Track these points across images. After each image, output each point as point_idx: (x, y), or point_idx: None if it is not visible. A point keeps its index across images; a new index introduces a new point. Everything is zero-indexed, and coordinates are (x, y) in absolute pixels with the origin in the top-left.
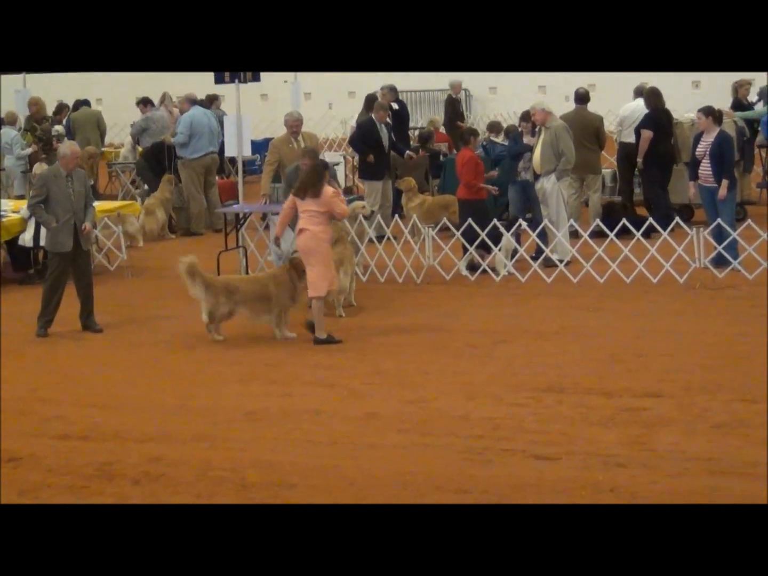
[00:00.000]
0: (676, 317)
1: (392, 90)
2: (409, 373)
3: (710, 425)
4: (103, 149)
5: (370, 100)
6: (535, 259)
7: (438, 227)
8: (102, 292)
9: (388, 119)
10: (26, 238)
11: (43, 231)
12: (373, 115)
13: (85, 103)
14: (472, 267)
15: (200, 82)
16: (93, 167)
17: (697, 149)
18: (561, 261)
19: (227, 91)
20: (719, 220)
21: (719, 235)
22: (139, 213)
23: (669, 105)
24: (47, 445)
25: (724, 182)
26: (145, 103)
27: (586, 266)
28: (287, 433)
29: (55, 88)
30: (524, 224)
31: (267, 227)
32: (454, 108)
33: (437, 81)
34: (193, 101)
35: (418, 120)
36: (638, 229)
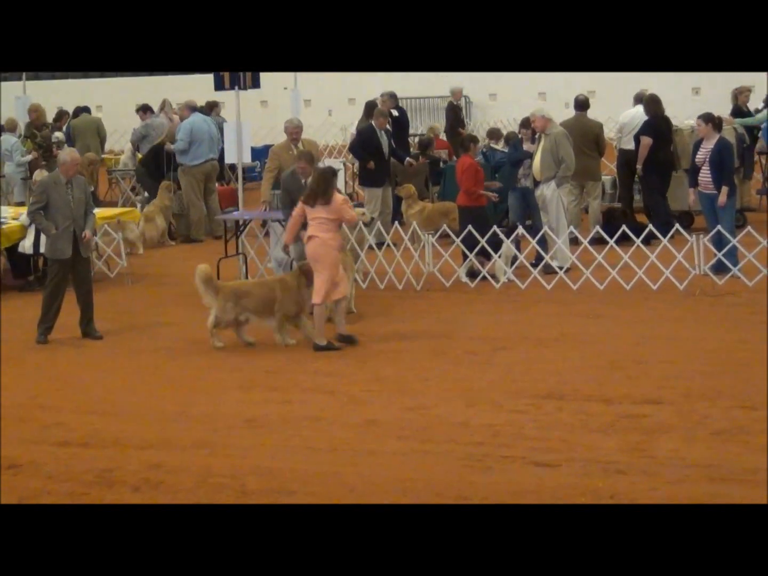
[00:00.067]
0: (676, 324)
1: (392, 97)
2: (409, 380)
3: (710, 432)
4: (103, 156)
5: (370, 107)
6: (535, 266)
7: (438, 234)
8: (102, 299)
9: (388, 126)
10: (26, 245)
11: (43, 238)
12: (373, 122)
13: (85, 109)
14: (472, 274)
15: (200, 89)
16: (93, 174)
17: (697, 156)
18: (561, 268)
19: (227, 98)
20: (719, 226)
21: (719, 241)
22: (139, 220)
23: (669, 111)
24: (47, 452)
25: (724, 189)
26: (144, 110)
27: (586, 273)
28: (287, 439)
29: (55, 94)
30: (522, 231)
31: (267, 234)
32: (455, 114)
33: (437, 88)
34: (193, 108)
35: (417, 127)
36: (638, 236)
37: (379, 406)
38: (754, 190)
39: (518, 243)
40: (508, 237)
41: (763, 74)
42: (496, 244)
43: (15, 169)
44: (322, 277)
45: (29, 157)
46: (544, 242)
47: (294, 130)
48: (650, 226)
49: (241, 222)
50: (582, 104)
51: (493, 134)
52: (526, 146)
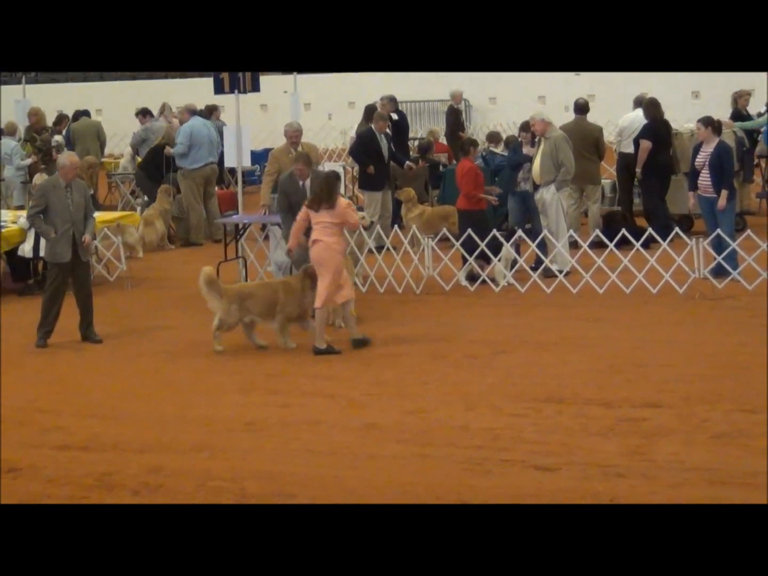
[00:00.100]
0: (675, 327)
1: (392, 100)
2: (408, 384)
3: (710, 435)
4: (102, 160)
5: (370, 111)
6: (534, 269)
7: (437, 238)
8: (102, 303)
9: (387, 130)
10: (26, 249)
11: (42, 242)
12: (372, 126)
13: (85, 113)
14: (472, 277)
15: (200, 93)
16: (93, 177)
17: (697, 160)
18: (560, 271)
19: (227, 102)
20: (719, 230)
21: (719, 245)
22: (138, 224)
23: (668, 115)
24: (47, 456)
25: (724, 192)
26: (144, 113)
27: (586, 277)
28: (287, 443)
29: (55, 98)
30: (522, 234)
31: (267, 237)
32: (456, 118)
33: (436, 91)
34: (192, 112)
35: (417, 130)
36: (638, 240)
37: (379, 410)
38: (753, 193)
39: (518, 246)
40: (507, 240)
41: (763, 78)
42: (495, 247)
43: (14, 173)
44: (326, 280)
45: (29, 161)
46: (543, 246)
47: (294, 134)
48: (650, 230)
49: (240, 225)
50: (582, 108)
51: (493, 138)
52: (526, 150)
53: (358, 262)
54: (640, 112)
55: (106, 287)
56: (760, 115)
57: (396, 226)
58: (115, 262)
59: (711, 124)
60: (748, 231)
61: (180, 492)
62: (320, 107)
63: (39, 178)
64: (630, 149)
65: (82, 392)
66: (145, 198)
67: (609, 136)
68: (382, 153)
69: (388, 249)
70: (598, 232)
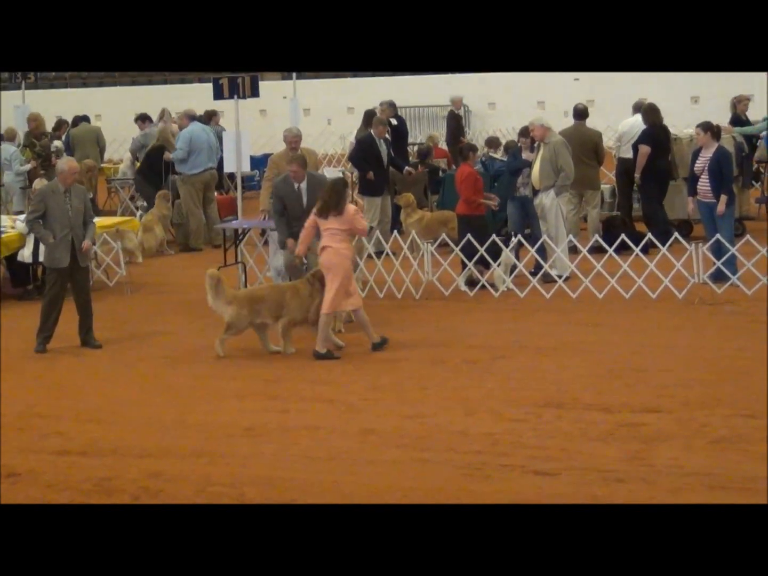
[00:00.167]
0: (675, 332)
1: (391, 106)
2: (407, 389)
3: (709, 440)
4: (102, 165)
5: (369, 116)
6: (534, 274)
7: (437, 243)
8: (101, 308)
9: (387, 135)
10: (25, 254)
11: (42, 247)
12: (372, 131)
13: (85, 119)
14: (471, 282)
15: (199, 98)
16: (92, 180)
17: (696, 165)
18: (560, 276)
19: (226, 107)
20: (718, 235)
21: (718, 250)
22: (138, 229)
23: (667, 120)
24: (46, 461)
25: (723, 198)
26: (143, 119)
27: (585, 282)
28: (286, 448)
29: (55, 103)
30: (521, 239)
31: (266, 243)
32: (457, 123)
33: (436, 96)
34: (192, 117)
35: (417, 136)
36: (637, 245)
37: (378, 415)
38: (753, 198)
39: (517, 252)
40: (506, 245)
41: (763, 83)
42: (495, 252)
43: (14, 179)
44: (334, 286)
45: (28, 167)
46: (543, 251)
47: (293, 139)
48: (649, 235)
49: (240, 231)
50: (581, 113)
51: (492, 143)
52: (525, 155)
53: (357, 267)
54: (639, 117)
55: (106, 292)
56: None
57: (395, 231)
58: (114, 267)
59: (710, 129)
60: (748, 236)
61: (179, 497)
62: (319, 112)
63: (38, 184)
64: (629, 154)
65: (82, 397)
66: (144, 203)
67: (608, 142)
68: (381, 158)
69: (387, 254)
70: (597, 237)
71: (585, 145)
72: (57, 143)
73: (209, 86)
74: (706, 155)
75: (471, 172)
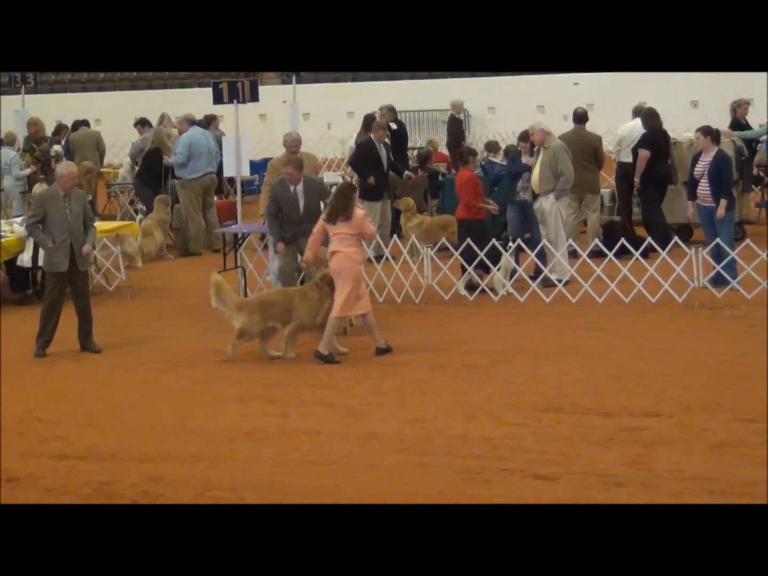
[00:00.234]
0: (675, 337)
1: (391, 110)
2: (408, 393)
3: (709, 445)
4: (101, 170)
5: (369, 120)
6: (533, 278)
7: (437, 247)
8: (100, 313)
9: (386, 139)
10: (25, 259)
11: (41, 251)
12: (372, 135)
13: (84, 123)
14: (471, 287)
15: (198, 103)
16: (90, 182)
17: (696, 169)
18: (560, 281)
19: (226, 111)
20: (718, 239)
21: (718, 254)
22: (137, 233)
23: (667, 124)
24: (45, 465)
25: (723, 202)
26: (143, 123)
27: (585, 286)
28: (286, 453)
29: (54, 108)
30: (521, 244)
31: (266, 247)
32: (458, 127)
33: (435, 101)
34: (191, 122)
35: (416, 140)
36: (637, 249)
37: (379, 420)
38: (753, 202)
39: (517, 256)
40: (506, 250)
41: (762, 88)
42: (495, 257)
43: (14, 183)
44: (345, 290)
45: (28, 171)
46: (543, 255)
47: (293, 144)
48: (649, 239)
49: (239, 235)
50: (581, 117)
51: (491, 147)
52: (525, 159)
53: None
54: (638, 121)
55: (105, 297)
56: None
57: (395, 235)
58: (114, 271)
59: (710, 133)
60: (748, 240)
61: (179, 502)
62: (319, 117)
63: (38, 188)
64: (629, 158)
65: (81, 402)
66: (143, 207)
67: (608, 146)
68: (381, 162)
69: (387, 258)
70: (597, 241)
71: (585, 149)
72: (57, 148)
73: (209, 91)
74: (706, 159)
75: (471, 177)
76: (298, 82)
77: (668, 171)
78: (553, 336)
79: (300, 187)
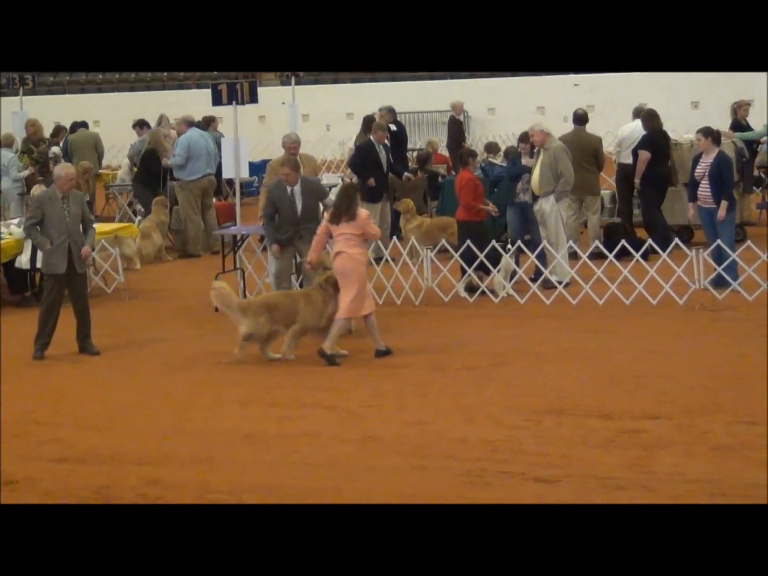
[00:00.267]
0: (675, 338)
1: (390, 111)
2: (407, 396)
3: (710, 447)
4: (100, 171)
5: (369, 122)
6: (534, 280)
7: (436, 249)
8: (99, 315)
9: (386, 140)
10: (23, 261)
11: (39, 253)
12: (371, 137)
13: (83, 125)
14: (471, 289)
15: (197, 104)
16: (88, 182)
17: (696, 170)
18: (560, 282)
19: (225, 113)
20: (719, 241)
21: (719, 256)
22: (136, 235)
23: (668, 125)
24: (44, 468)
25: (724, 203)
26: (141, 125)
27: (586, 288)
28: (286, 455)
29: (53, 109)
30: (521, 245)
31: (265, 249)
32: (458, 129)
33: (435, 102)
34: (190, 123)
35: (416, 141)
36: (637, 251)
37: (378, 422)
38: (753, 204)
39: (517, 258)
40: (506, 251)
41: (763, 88)
42: (495, 258)
43: (12, 185)
44: (352, 292)
45: (26, 173)
46: (543, 257)
47: (292, 145)
48: (649, 241)
49: (238, 237)
50: (581, 118)
51: (491, 148)
52: (525, 161)
53: None
54: (639, 122)
55: (104, 299)
56: None
57: (395, 237)
58: (112, 273)
59: (711, 134)
60: (748, 242)
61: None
62: (318, 118)
63: (37, 190)
64: (629, 160)
65: (80, 404)
66: (142, 209)
67: (608, 147)
68: (381, 164)
69: (386, 260)
70: (597, 243)
71: (585, 151)
72: (55, 149)
73: (207, 92)
74: (707, 161)
75: (471, 178)
76: (298, 83)
77: (668, 172)
78: (554, 338)
79: (297, 188)
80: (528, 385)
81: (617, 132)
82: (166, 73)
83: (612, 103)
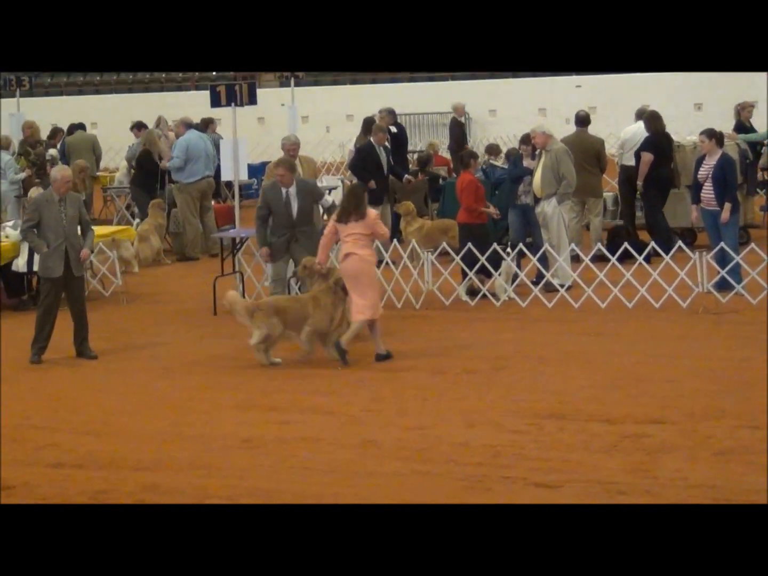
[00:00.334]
0: (678, 342)
1: (390, 113)
2: (408, 400)
3: (714, 452)
4: (98, 173)
5: (369, 123)
6: (535, 283)
7: (437, 252)
8: (97, 318)
9: (386, 142)
10: (20, 264)
11: (36, 256)
12: (371, 138)
13: (80, 126)
14: (472, 292)
15: (196, 106)
16: (84, 181)
17: (700, 172)
18: (562, 285)
19: (224, 115)
20: (722, 243)
21: (722, 259)
22: (134, 238)
23: (671, 127)
24: (41, 474)
25: (727, 205)
26: (139, 127)
27: (588, 291)
28: (284, 460)
29: (50, 111)
30: (520, 247)
31: None
32: (461, 130)
33: (436, 103)
34: (188, 125)
35: (416, 143)
36: (640, 254)
37: (378, 427)
38: (757, 206)
39: (519, 261)
40: (508, 254)
41: (764, 89)
42: (496, 261)
43: (8, 187)
44: (370, 293)
45: (23, 175)
46: (544, 260)
47: (291, 147)
48: (652, 243)
49: (237, 240)
50: (583, 120)
51: (492, 150)
52: (527, 162)
53: None
54: (641, 124)
55: (102, 302)
56: None
57: (395, 240)
58: (110, 277)
59: (714, 136)
60: (752, 244)
61: None
62: (318, 120)
63: (34, 192)
64: (632, 162)
65: (77, 409)
66: (137, 212)
67: (611, 149)
68: (381, 166)
69: (387, 263)
70: (600, 245)
71: (587, 153)
72: (52, 151)
73: (206, 94)
74: (710, 162)
75: (472, 180)
76: (297, 84)
77: (671, 174)
78: (555, 341)
79: (292, 190)
80: (530, 389)
81: (620, 134)
82: (164, 75)
83: (614, 105)
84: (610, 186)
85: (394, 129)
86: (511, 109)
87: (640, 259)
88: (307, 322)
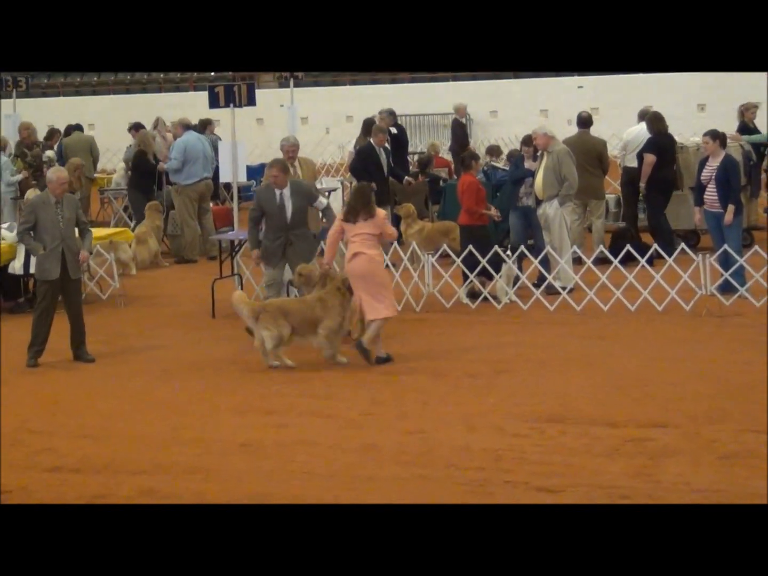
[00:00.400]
0: (681, 345)
1: (391, 114)
2: (408, 404)
3: (717, 456)
4: (95, 175)
5: (368, 125)
6: (537, 286)
7: (438, 254)
8: (94, 321)
9: (387, 144)
10: (16, 266)
11: (33, 259)
12: (372, 140)
13: (78, 128)
14: (473, 295)
15: (194, 107)
16: (80, 179)
17: (703, 174)
18: (564, 288)
19: (222, 116)
20: (726, 246)
21: (726, 261)
22: (131, 240)
23: (674, 128)
24: (38, 478)
25: (731, 207)
26: (137, 128)
27: (590, 294)
28: (283, 465)
29: (47, 113)
30: (522, 250)
31: None
32: (463, 131)
33: (436, 105)
34: (186, 126)
35: (417, 145)
36: (643, 256)
37: (378, 431)
38: (761, 208)
39: (520, 263)
40: (509, 257)
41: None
42: (497, 264)
43: (5, 189)
44: (384, 291)
45: (19, 177)
46: (546, 262)
47: (290, 149)
48: (655, 246)
49: (236, 242)
50: (585, 121)
51: (493, 151)
52: (528, 164)
53: None
54: (644, 125)
55: (99, 305)
56: None
57: (395, 242)
58: (107, 279)
59: (717, 137)
60: (756, 247)
61: None
62: (317, 121)
63: (31, 194)
64: (634, 163)
65: (74, 413)
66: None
67: (613, 150)
68: (381, 167)
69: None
70: (602, 248)
71: (589, 154)
72: (49, 153)
73: (204, 94)
74: (714, 164)
75: (473, 182)
76: (296, 85)
77: (674, 176)
78: (557, 345)
79: (286, 192)
80: (531, 393)
81: (622, 135)
82: (162, 76)
83: (616, 106)
84: (613, 188)
85: (394, 130)
86: (513, 110)
87: (643, 261)
88: (319, 326)
